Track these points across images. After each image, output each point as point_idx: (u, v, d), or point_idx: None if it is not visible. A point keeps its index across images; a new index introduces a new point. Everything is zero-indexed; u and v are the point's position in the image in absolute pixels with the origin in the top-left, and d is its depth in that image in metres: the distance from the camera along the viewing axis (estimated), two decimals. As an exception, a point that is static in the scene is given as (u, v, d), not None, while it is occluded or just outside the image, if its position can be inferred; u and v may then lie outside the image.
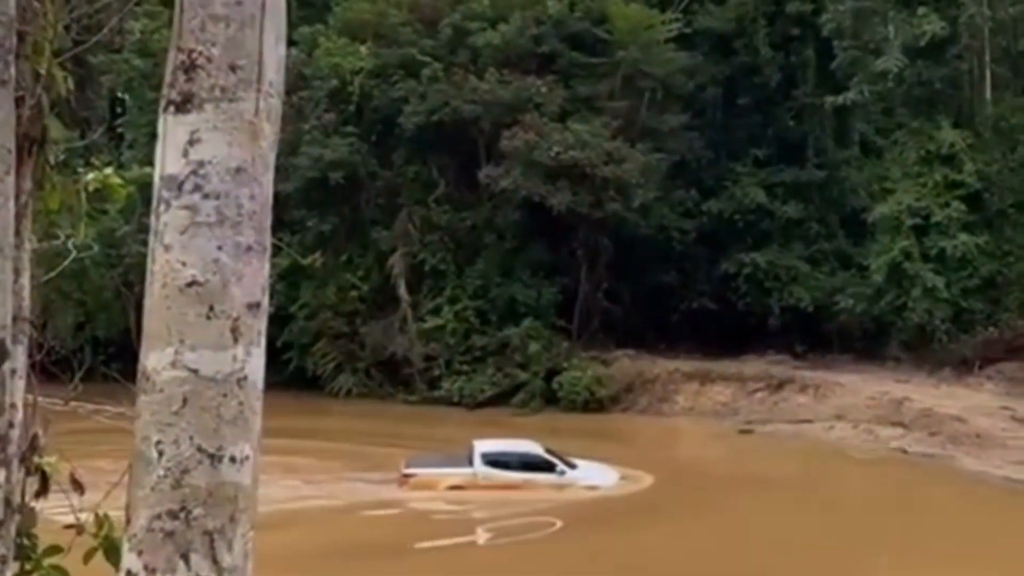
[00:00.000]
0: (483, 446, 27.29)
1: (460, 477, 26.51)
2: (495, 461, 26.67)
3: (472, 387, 41.59)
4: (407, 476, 26.63)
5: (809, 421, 33.93)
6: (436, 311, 43.58)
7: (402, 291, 43.96)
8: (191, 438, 2.28)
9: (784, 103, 48.38)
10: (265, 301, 2.40)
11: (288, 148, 42.58)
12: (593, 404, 39.53)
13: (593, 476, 26.92)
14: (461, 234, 44.69)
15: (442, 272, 44.40)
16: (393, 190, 45.52)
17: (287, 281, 44.38)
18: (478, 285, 43.91)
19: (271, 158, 2.44)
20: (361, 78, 44.40)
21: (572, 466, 27.00)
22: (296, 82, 44.12)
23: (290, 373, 43.32)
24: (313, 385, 43.86)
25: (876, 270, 41.20)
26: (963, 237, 40.07)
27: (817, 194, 47.27)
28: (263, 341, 2.41)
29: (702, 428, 35.82)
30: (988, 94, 43.67)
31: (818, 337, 44.63)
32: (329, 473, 28.29)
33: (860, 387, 36.06)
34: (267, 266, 2.43)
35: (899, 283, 40.48)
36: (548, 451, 27.34)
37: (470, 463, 26.63)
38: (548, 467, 26.61)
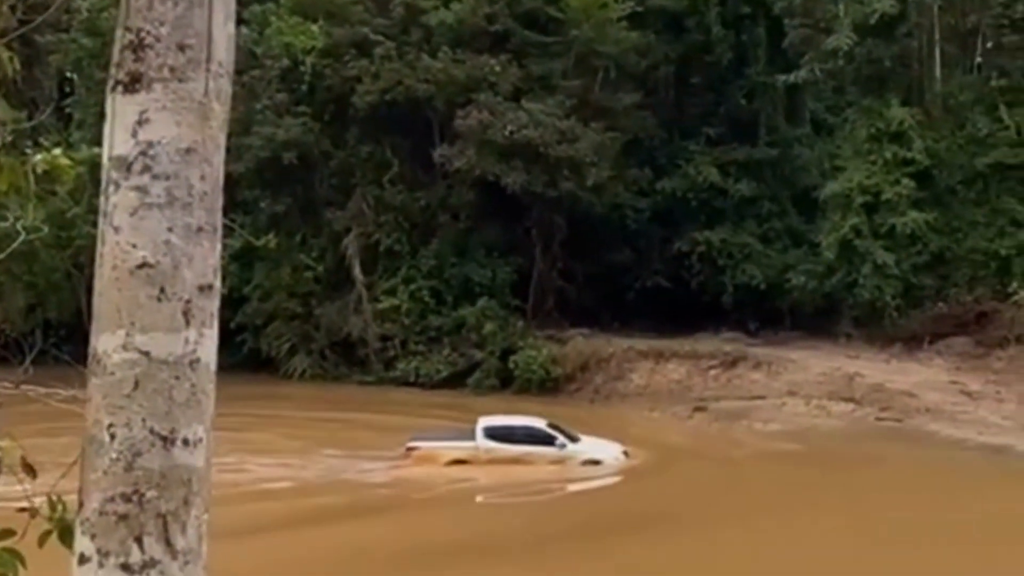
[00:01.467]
0: (486, 420, 27.72)
1: (462, 451, 26.89)
2: (497, 435, 26.99)
3: (428, 367, 41.56)
4: (411, 449, 27.03)
5: (762, 397, 34.19)
6: (391, 292, 43.47)
7: (357, 272, 43.84)
8: (143, 421, 2.26)
9: (736, 82, 48.64)
10: (217, 283, 2.39)
11: (240, 128, 42.19)
12: (548, 383, 39.62)
13: (595, 450, 27.08)
14: (415, 214, 44.55)
15: (397, 252, 44.26)
16: (347, 170, 45.29)
17: (240, 262, 44.21)
18: (433, 265, 43.84)
19: (222, 138, 2.42)
20: (313, 57, 44.10)
21: (575, 440, 27.26)
22: (247, 61, 43.76)
23: (244, 355, 43.23)
24: (268, 367, 43.77)
25: (827, 247, 41.51)
26: (912, 214, 40.43)
27: (769, 172, 47.59)
28: (215, 323, 2.40)
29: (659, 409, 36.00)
30: (937, 72, 44.00)
31: (771, 314, 44.99)
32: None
33: (812, 363, 36.35)
34: (219, 247, 2.41)
35: (850, 260, 40.81)
36: (551, 425, 27.68)
37: (473, 437, 26.99)
38: (549, 440, 26.79)
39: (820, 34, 42.55)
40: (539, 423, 27.71)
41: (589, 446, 27.19)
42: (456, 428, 28.38)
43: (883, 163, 40.99)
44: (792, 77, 43.84)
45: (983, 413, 29.71)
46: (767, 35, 47.70)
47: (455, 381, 41.10)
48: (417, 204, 44.45)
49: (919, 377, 34.26)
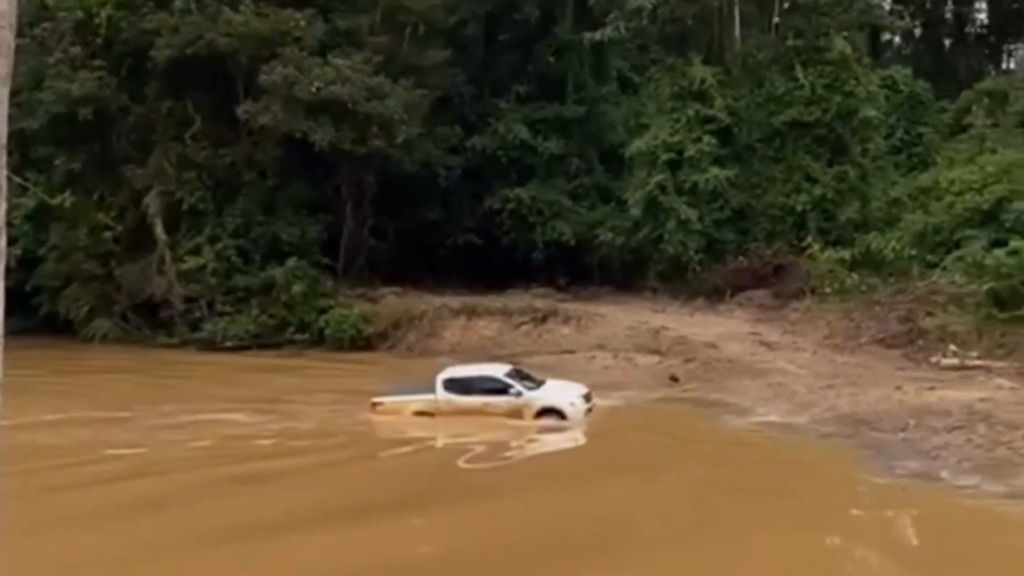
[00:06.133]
0: (447, 372, 27.65)
1: (424, 403, 26.87)
2: (455, 387, 26.87)
3: (236, 328, 40.68)
4: (376, 404, 27.21)
5: (572, 352, 34.65)
6: (196, 251, 42.33)
7: (159, 231, 42.57)
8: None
9: (544, 39, 49.04)
10: (2, 242, 2.18)
11: (31, 82, 40.49)
12: (360, 342, 39.35)
13: (551, 397, 26.78)
14: (220, 171, 43.40)
15: (201, 211, 43.08)
16: (146, 126, 43.81)
17: (35, 222, 42.66)
18: (239, 224, 42.84)
19: (4, 92, 2.21)
20: (108, 9, 42.43)
21: (538, 385, 27.13)
22: (38, 14, 41.90)
23: (41, 318, 41.89)
24: (67, 330, 42.36)
25: (634, 204, 42.35)
26: (714, 171, 41.57)
27: (577, 129, 48.21)
28: (2, 283, 2.19)
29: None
30: (737, 31, 45.19)
31: (580, 270, 45.74)
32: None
33: (620, 317, 37.05)
34: (3, 205, 2.20)
35: (655, 216, 41.74)
36: (514, 372, 27.55)
37: (434, 390, 26.89)
38: (504, 390, 26.62)
39: (625, -8, 43.14)
40: (498, 372, 27.49)
41: (547, 392, 26.99)
42: (419, 381, 28.17)
43: (686, 121, 41.97)
44: (598, 35, 44.40)
45: (781, 363, 30.77)
46: (574, -7, 48.22)
47: (264, 341, 40.39)
48: (221, 161, 43.28)
49: (721, 329, 35.29)
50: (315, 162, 42.49)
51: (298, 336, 40.40)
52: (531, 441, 25.81)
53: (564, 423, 26.27)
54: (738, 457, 23.03)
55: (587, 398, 26.95)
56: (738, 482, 20.88)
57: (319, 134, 40.37)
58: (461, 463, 23.42)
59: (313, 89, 40.02)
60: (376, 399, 27.39)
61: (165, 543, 17.19)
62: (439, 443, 26.18)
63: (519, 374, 27.65)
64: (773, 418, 25.72)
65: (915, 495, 19.38)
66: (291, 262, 41.44)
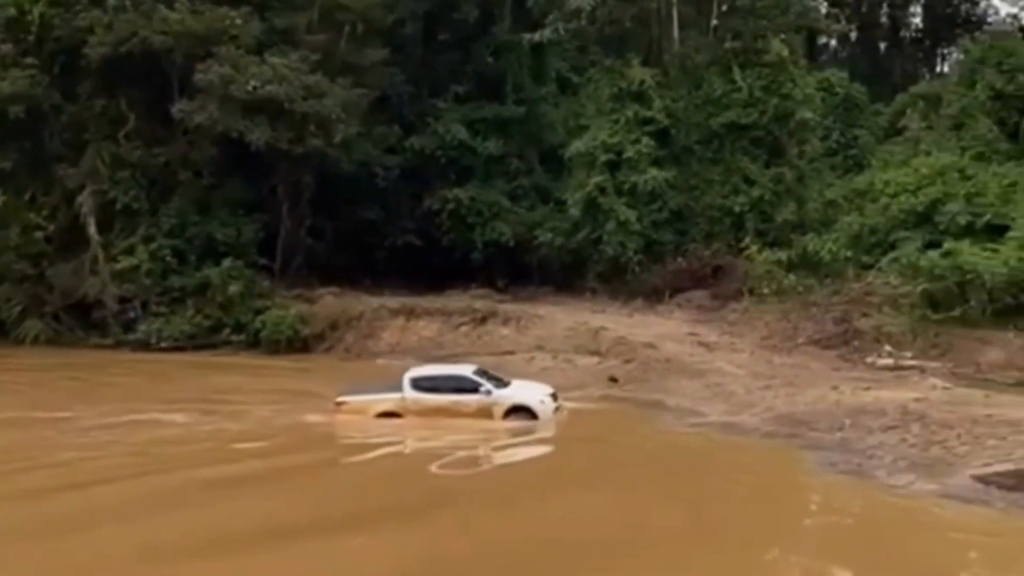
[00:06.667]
0: (413, 371, 27.31)
1: (390, 403, 26.45)
2: (423, 385, 26.52)
3: (171, 329, 40.13)
4: (340, 404, 26.73)
5: (512, 353, 34.55)
6: (130, 251, 41.70)
7: (92, 231, 41.86)
8: None
9: (483, 39, 48.96)
10: None
11: (-40, 80, 39.74)
12: (297, 343, 38.97)
13: (520, 395, 26.57)
14: (154, 171, 42.80)
15: (135, 210, 42.45)
16: (80, 125, 43.08)
17: (-36, 222, 41.79)
18: (174, 223, 42.27)
19: None
20: (41, 7, 41.74)
21: (504, 385, 26.86)
22: (-33, 10, 41.15)
23: (-30, 320, 41.02)
24: (-2, 332, 41.66)
25: (573, 205, 42.36)
26: (653, 172, 41.68)
27: (517, 130, 48.17)
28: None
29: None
30: (675, 33, 45.36)
31: (520, 270, 45.69)
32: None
33: (559, 318, 37.02)
34: None
35: (595, 217, 41.77)
36: (479, 372, 27.26)
37: (400, 389, 26.50)
38: (474, 388, 26.35)
39: (564, -6, 43.12)
40: (466, 371, 27.28)
41: (515, 391, 26.80)
42: (384, 381, 27.85)
43: (625, 122, 42.06)
44: (537, 36, 44.38)
45: (719, 364, 30.90)
46: (512, -7, 48.19)
47: (200, 342, 39.90)
48: (156, 160, 42.66)
49: (660, 329, 35.38)
50: (252, 161, 42.02)
51: (234, 337, 39.93)
52: (488, 444, 25.49)
53: (533, 423, 26.06)
54: (678, 460, 23.03)
55: (554, 397, 26.89)
56: (681, 486, 20.88)
57: (255, 133, 39.92)
58: (434, 468, 22.67)
59: (249, 88, 39.56)
60: (340, 398, 26.92)
61: (119, 557, 16.37)
62: (406, 447, 25.75)
63: (485, 374, 27.46)
64: (712, 419, 25.81)
65: (852, 494, 19.51)
66: (227, 262, 40.97)
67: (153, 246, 41.72)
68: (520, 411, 26.28)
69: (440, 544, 17.04)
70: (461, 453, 24.37)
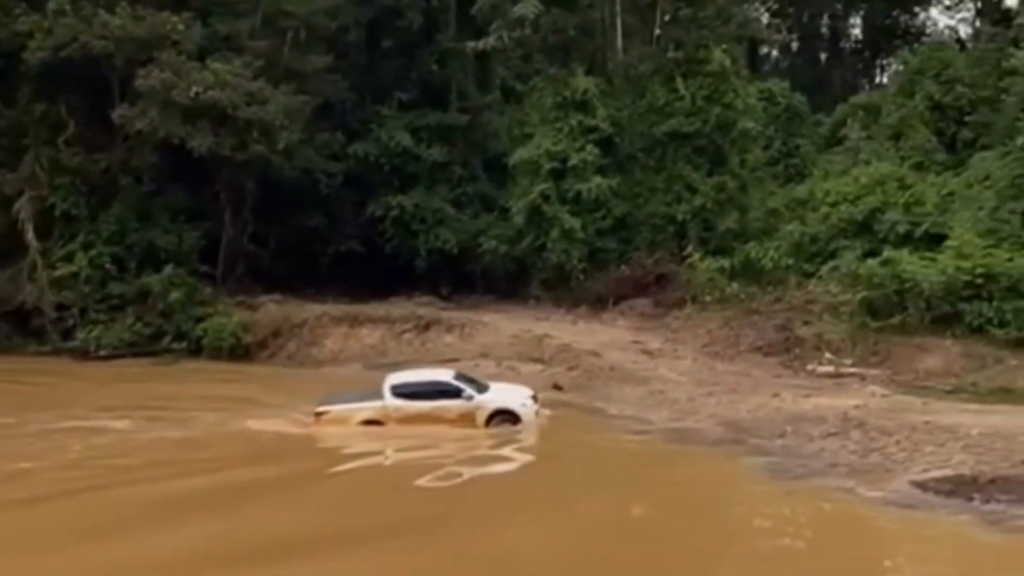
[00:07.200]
0: (393, 378, 26.82)
1: (372, 411, 26.04)
2: (404, 392, 26.11)
3: (110, 336, 39.57)
4: (320, 414, 26.20)
5: (456, 360, 34.48)
6: (69, 258, 41.11)
7: (30, 237, 41.17)
8: None
9: (427, 47, 48.94)
10: None
11: None
12: (239, 350, 38.63)
13: (502, 399, 26.39)
14: (94, 177, 42.24)
15: (75, 217, 41.89)
16: (18, 130, 42.42)
17: (-102, 229, 40.99)
18: (114, 230, 41.75)
19: None
20: (-22, 10, 41.08)
21: (484, 389, 26.59)
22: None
23: (-96, 328, 40.22)
24: (-67, 339, 40.86)
25: (517, 212, 42.41)
26: (597, 180, 41.83)
27: (461, 138, 48.16)
28: None
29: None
30: (619, 43, 45.58)
31: (464, 278, 45.67)
32: None
33: (503, 325, 37.02)
34: None
35: (539, 225, 41.84)
36: (459, 376, 27.06)
37: (381, 396, 26.10)
38: (457, 393, 26.06)
39: (508, 2, 43.17)
40: (446, 376, 27.06)
41: (497, 394, 26.59)
42: (363, 389, 27.43)
43: (569, 130, 42.19)
44: (481, 44, 44.43)
45: (662, 371, 31.08)
46: (457, 1, 48.24)
47: (141, 350, 39.43)
48: (96, 166, 42.10)
49: (604, 337, 35.51)
50: (193, 168, 41.63)
51: (175, 345, 39.45)
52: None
53: (516, 428, 25.97)
54: (626, 471, 23.07)
55: (534, 399, 26.84)
56: (631, 500, 20.89)
57: (197, 139, 39.57)
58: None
59: (191, 94, 39.20)
60: (320, 408, 26.39)
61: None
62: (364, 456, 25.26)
63: (464, 378, 27.29)
64: (657, 426, 25.92)
65: (795, 502, 19.69)
66: (168, 269, 40.54)
67: (92, 253, 41.17)
68: (503, 415, 26.13)
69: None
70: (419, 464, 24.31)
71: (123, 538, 17.97)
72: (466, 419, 25.97)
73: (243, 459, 24.12)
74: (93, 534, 18.16)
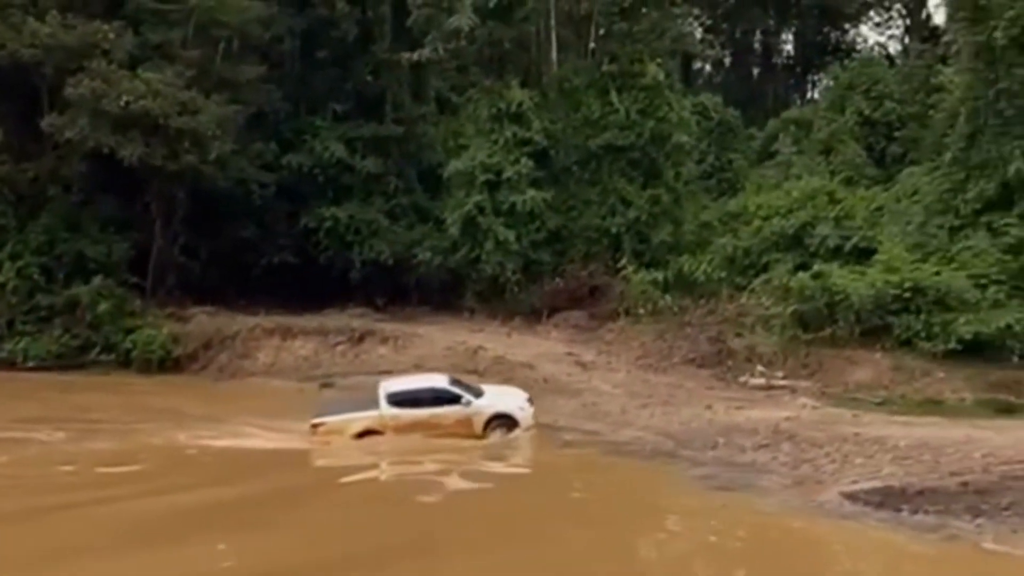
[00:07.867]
0: (388, 386, 26.39)
1: (368, 420, 25.62)
2: (400, 400, 25.73)
3: (38, 348, 38.88)
4: (316, 425, 25.70)
5: (390, 372, 34.30)
6: (-5, 268, 40.40)
7: (-45, 247, 40.45)
8: None
9: (362, 57, 48.77)
10: None
11: None
12: (169, 362, 38.16)
13: (499, 403, 26.19)
14: (22, 186, 41.52)
15: (2, 227, 41.10)
16: (-56, 139, 41.67)
17: None
18: (42, 241, 41.04)
19: None
20: (-95, 16, 40.23)
21: (479, 394, 26.33)
22: None
23: None
24: None
25: (452, 224, 42.33)
26: (531, 192, 41.88)
27: (395, 149, 47.96)
28: None
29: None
30: (554, 56, 45.70)
31: (398, 289, 45.43)
32: None
33: (438, 337, 36.94)
34: None
35: (473, 236, 41.79)
36: (454, 381, 26.72)
37: (377, 405, 25.70)
38: (455, 399, 25.72)
39: (443, 14, 43.17)
40: (442, 382, 26.65)
41: (494, 399, 26.38)
42: (357, 398, 27.18)
43: (504, 142, 42.21)
44: (416, 56, 44.35)
45: (596, 383, 31.16)
46: (392, 12, 48.23)
47: (69, 362, 38.78)
48: (24, 176, 41.39)
49: (538, 349, 35.56)
50: (124, 178, 41.09)
51: (103, 357, 38.88)
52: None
53: (512, 435, 25.85)
54: (560, 482, 23.07)
55: (530, 402, 26.75)
56: (562, 507, 20.94)
57: (128, 149, 39.06)
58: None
59: (122, 103, 38.69)
60: (316, 419, 25.92)
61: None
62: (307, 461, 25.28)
63: (459, 383, 27.05)
64: (591, 438, 25.98)
65: (727, 513, 19.81)
66: (97, 280, 39.93)
67: (20, 263, 40.42)
68: (500, 419, 25.95)
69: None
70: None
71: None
72: (463, 425, 25.71)
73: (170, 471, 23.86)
74: None
